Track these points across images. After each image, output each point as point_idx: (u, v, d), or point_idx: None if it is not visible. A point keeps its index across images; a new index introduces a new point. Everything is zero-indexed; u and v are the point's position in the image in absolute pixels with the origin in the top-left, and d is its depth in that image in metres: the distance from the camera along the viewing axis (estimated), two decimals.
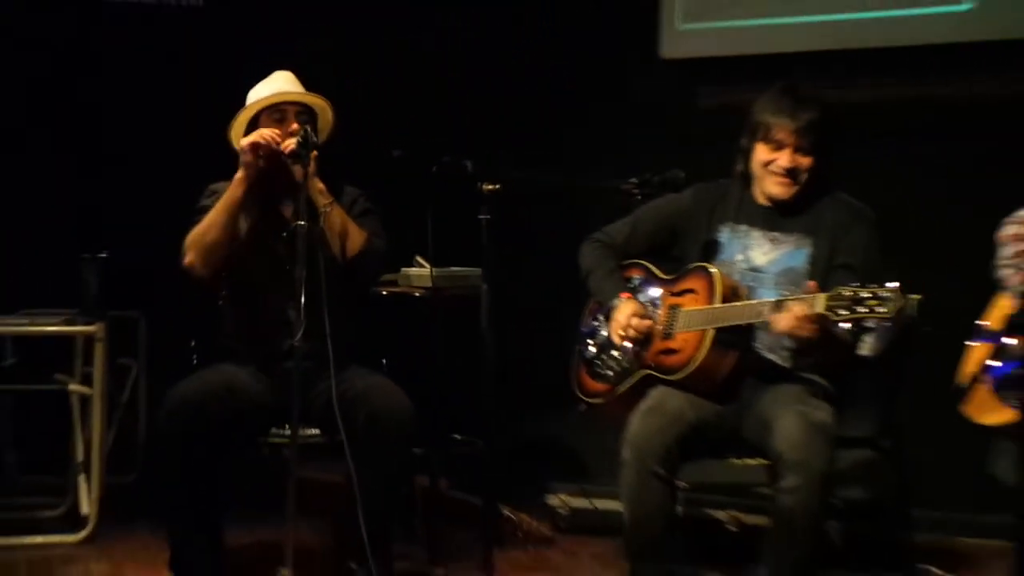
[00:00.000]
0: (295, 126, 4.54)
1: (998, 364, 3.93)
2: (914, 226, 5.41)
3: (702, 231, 4.54)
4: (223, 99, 4.77)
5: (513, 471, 4.76)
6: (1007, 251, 4.01)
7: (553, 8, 6.46)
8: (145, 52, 6.51)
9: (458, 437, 5.62)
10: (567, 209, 5.02)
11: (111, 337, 5.57)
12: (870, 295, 3.87)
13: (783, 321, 4.09)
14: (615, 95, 6.23)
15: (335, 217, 4.58)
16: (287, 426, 4.48)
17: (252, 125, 4.63)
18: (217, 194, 4.64)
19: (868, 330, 4.04)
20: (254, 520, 5.09)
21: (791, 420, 4.20)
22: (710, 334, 4.32)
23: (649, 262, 4.66)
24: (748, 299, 4.36)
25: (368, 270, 4.75)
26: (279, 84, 4.69)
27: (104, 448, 5.61)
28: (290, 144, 4.44)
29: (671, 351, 4.42)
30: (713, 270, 4.40)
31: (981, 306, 4.17)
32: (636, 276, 4.66)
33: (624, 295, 4.54)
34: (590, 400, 4.67)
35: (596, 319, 4.69)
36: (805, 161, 4.37)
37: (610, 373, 4.61)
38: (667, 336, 4.44)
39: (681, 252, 4.59)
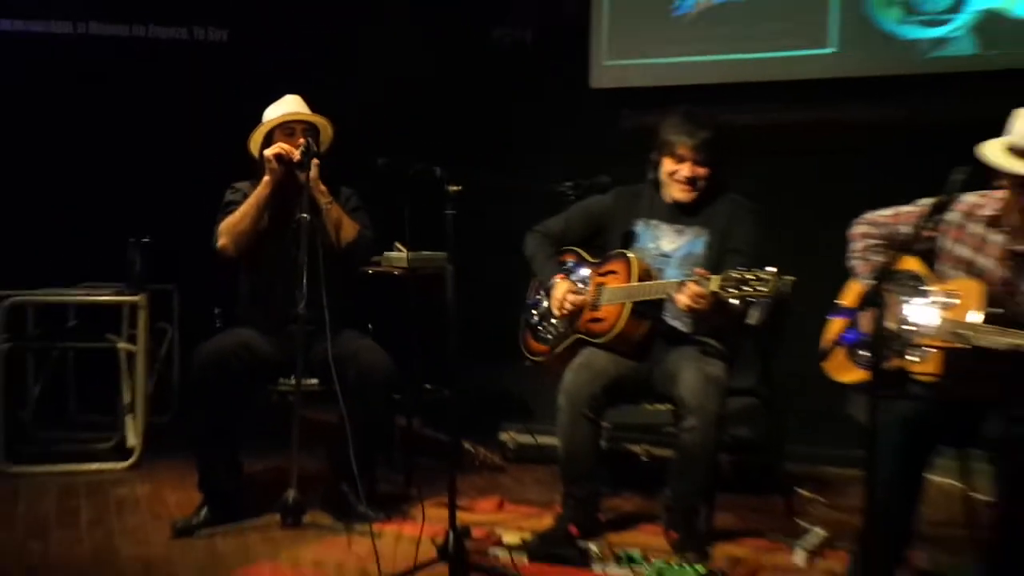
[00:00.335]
0: (301, 140, 4.53)
1: (851, 334, 3.95)
2: (789, 221, 5.42)
3: (622, 225, 4.53)
4: (239, 117, 4.78)
5: (472, 413, 4.74)
6: (856, 246, 4.03)
7: (512, 49, 6.44)
8: (178, 77, 6.46)
9: (429, 386, 5.60)
10: (516, 206, 4.99)
11: (151, 305, 5.56)
12: (754, 277, 3.87)
13: (683, 298, 4.09)
14: (556, 117, 6.21)
15: (333, 212, 4.59)
16: (292, 377, 4.46)
17: (267, 138, 4.62)
18: (240, 191, 4.64)
19: (752, 304, 4.05)
20: (266, 451, 5.08)
21: (691, 373, 4.22)
22: (628, 306, 4.33)
23: (580, 249, 4.65)
24: (658, 279, 4.36)
25: (359, 255, 4.75)
26: (290, 106, 4.67)
27: (146, 394, 5.58)
28: (296, 154, 4.48)
29: (597, 320, 4.42)
30: (631, 255, 4.40)
31: (839, 287, 4.19)
32: (570, 260, 4.66)
33: (560, 276, 4.54)
34: (534, 358, 4.68)
35: (539, 294, 4.70)
36: (702, 171, 4.37)
37: (549, 337, 4.61)
38: (594, 308, 4.44)
39: (605, 241, 4.58)
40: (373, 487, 4.66)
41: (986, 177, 3.71)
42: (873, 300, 3.24)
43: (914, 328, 3.79)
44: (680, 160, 4.38)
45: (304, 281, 4.29)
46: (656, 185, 4.51)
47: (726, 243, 4.38)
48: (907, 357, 3.74)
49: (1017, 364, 3.37)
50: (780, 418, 4.68)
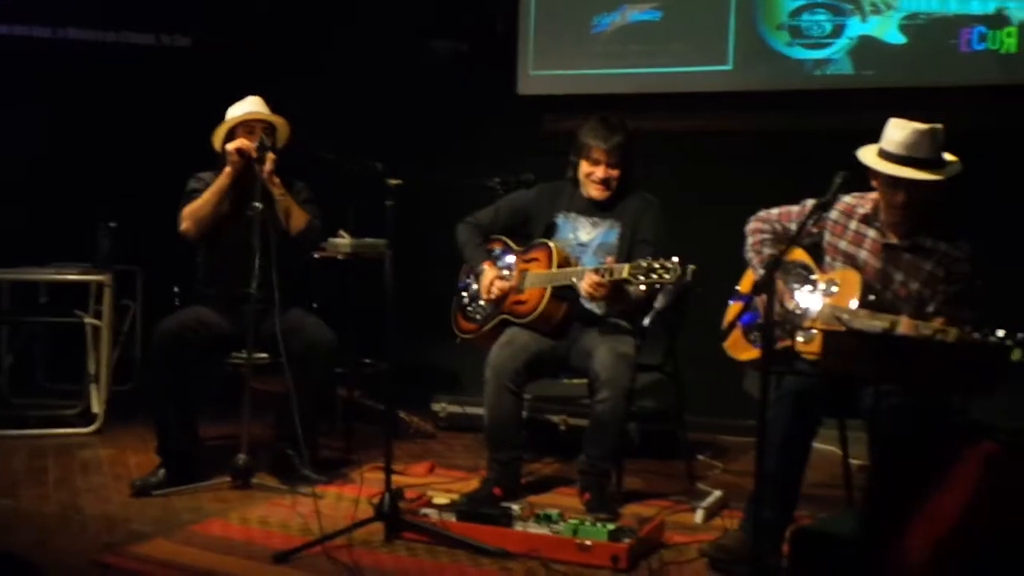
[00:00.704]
0: (258, 137, 4.47)
1: (747, 317, 3.96)
2: (693, 216, 5.41)
3: (544, 217, 4.49)
4: (199, 114, 4.70)
5: (407, 385, 4.68)
6: (751, 240, 4.04)
7: (449, 58, 6.36)
8: (146, 78, 6.34)
9: (368, 360, 5.56)
10: (450, 199, 4.95)
11: (116, 284, 5.51)
12: (660, 265, 3.89)
13: (583, 286, 4.10)
14: (487, 120, 6.15)
15: (285, 203, 4.51)
16: (244, 351, 4.38)
17: (229, 134, 4.55)
18: (202, 180, 4.58)
19: (659, 289, 4.05)
20: (220, 418, 4.97)
21: (604, 351, 4.19)
22: (549, 290, 4.29)
23: (506, 238, 4.59)
24: (575, 266, 4.31)
25: (308, 241, 4.67)
26: (251, 106, 4.60)
27: (110, 365, 5.51)
28: (253, 149, 4.43)
29: (521, 302, 4.37)
30: (552, 244, 4.36)
31: (737, 275, 4.19)
32: (497, 248, 4.59)
33: (488, 263, 4.48)
34: (463, 335, 4.60)
35: (469, 278, 4.62)
36: (615, 172, 4.35)
37: (478, 317, 4.54)
38: (519, 291, 4.39)
39: (529, 232, 4.53)
40: (316, 452, 4.59)
41: (864, 179, 3.75)
42: (765, 287, 3.23)
43: (801, 312, 3.82)
44: (595, 163, 4.35)
45: (256, 263, 4.26)
46: (575, 183, 4.47)
47: (636, 234, 4.36)
48: (795, 338, 3.76)
49: (887, 345, 3.39)
50: (683, 391, 4.64)
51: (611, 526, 3.73)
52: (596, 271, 4.09)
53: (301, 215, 4.55)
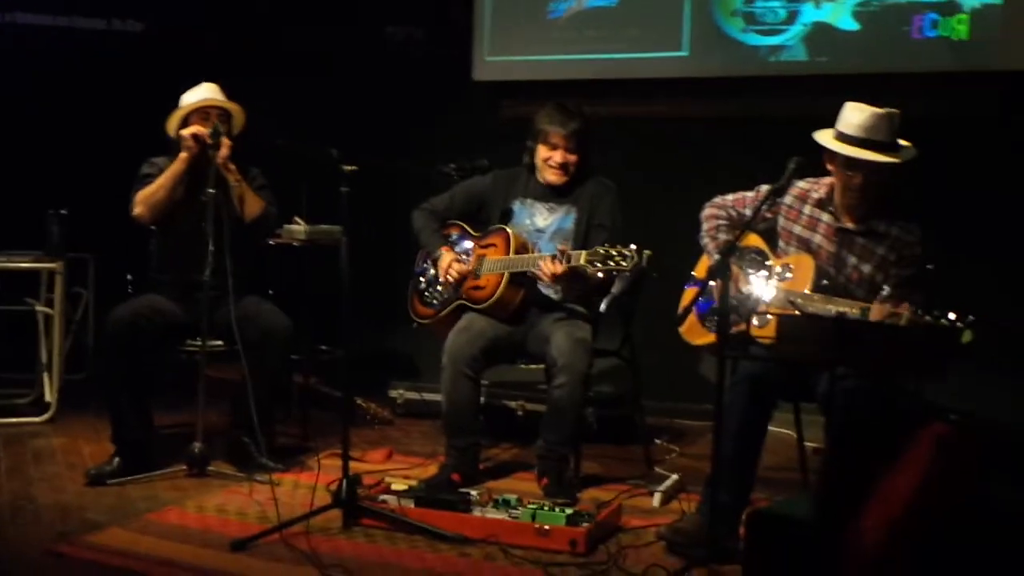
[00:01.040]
0: (213, 123, 4.43)
1: (702, 303, 3.99)
2: (648, 201, 5.44)
3: (501, 203, 4.49)
4: (151, 100, 4.65)
5: (364, 371, 4.67)
6: (706, 226, 4.07)
7: (404, 44, 6.33)
8: (98, 64, 6.25)
9: (324, 347, 5.54)
10: (405, 185, 4.93)
11: (68, 272, 5.43)
12: (616, 252, 3.91)
13: (541, 271, 4.13)
14: (443, 106, 6.12)
15: (240, 189, 4.48)
16: (198, 338, 4.35)
17: (185, 120, 4.51)
18: (156, 165, 4.54)
19: (616, 275, 4.08)
20: (175, 406, 4.93)
21: (561, 336, 4.21)
22: (506, 276, 4.29)
23: (464, 223, 4.59)
24: (532, 252, 4.32)
25: (264, 228, 4.65)
26: (206, 92, 4.55)
27: (62, 353, 5.45)
28: (208, 135, 4.40)
29: (479, 287, 4.37)
30: (509, 230, 4.36)
31: (693, 261, 4.21)
32: (454, 233, 4.59)
33: (445, 248, 4.48)
34: (420, 321, 4.59)
35: (425, 263, 4.62)
36: (572, 157, 4.36)
37: (435, 302, 4.54)
38: (476, 277, 4.39)
39: (485, 218, 4.53)
40: (272, 439, 4.58)
41: (818, 165, 3.78)
42: (720, 272, 3.26)
43: (756, 297, 3.85)
44: (553, 147, 4.35)
45: (210, 250, 4.24)
46: (531, 169, 4.47)
47: (592, 219, 4.38)
48: (750, 322, 3.79)
49: (840, 329, 3.42)
50: (640, 376, 4.66)
51: (569, 511, 3.74)
52: (553, 258, 4.10)
53: (256, 201, 4.52)
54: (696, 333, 4.03)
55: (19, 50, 6.24)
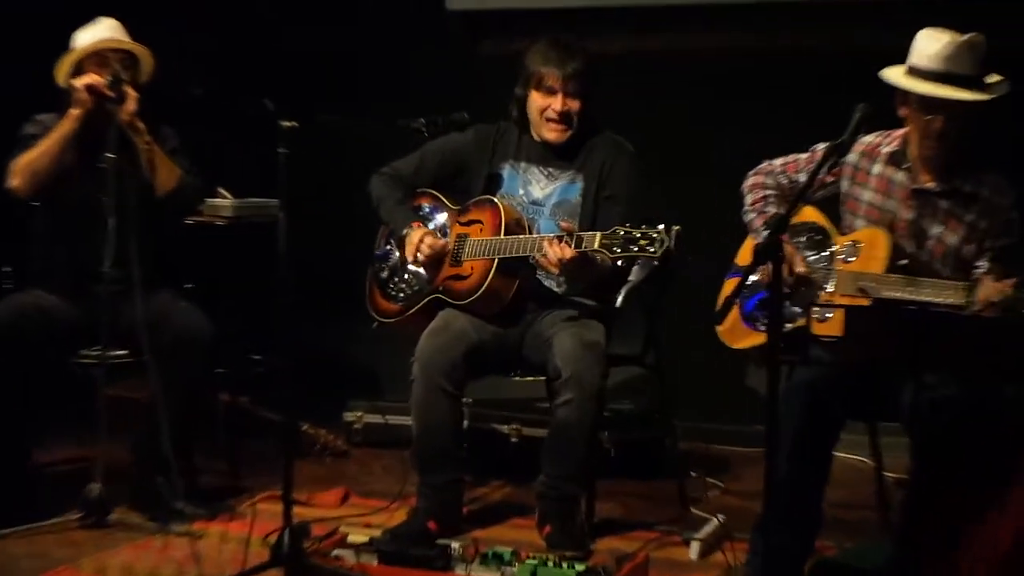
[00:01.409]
0: (113, 70, 4.46)
1: (747, 295, 4.07)
2: (674, 166, 5.48)
3: (484, 166, 4.55)
4: (41, 43, 4.67)
5: (311, 387, 4.70)
6: (749, 199, 4.13)
7: None
8: None
9: (258, 356, 5.56)
10: (361, 146, 4.95)
11: None
12: (641, 234, 3.96)
13: (545, 254, 4.17)
14: (407, 43, 6.15)
15: (150, 154, 4.52)
16: (96, 346, 4.40)
17: (77, 67, 4.54)
18: (42, 124, 4.58)
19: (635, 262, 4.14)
20: (64, 437, 4.99)
21: (567, 339, 4.26)
22: (495, 263, 4.33)
23: (438, 192, 4.65)
24: (530, 231, 4.39)
25: (180, 204, 4.71)
26: (104, 31, 4.59)
27: None
28: (106, 85, 4.42)
29: (459, 276, 4.42)
30: (499, 202, 4.41)
31: (732, 243, 4.28)
32: (426, 204, 4.65)
33: (414, 224, 4.53)
34: (383, 320, 4.65)
35: (388, 244, 4.68)
36: (574, 104, 4.42)
37: (402, 295, 4.60)
38: (456, 262, 4.44)
39: (466, 185, 4.59)
40: (193, 478, 4.62)
41: (891, 112, 3.84)
42: (769, 253, 3.29)
43: (816, 284, 3.91)
44: (549, 92, 4.41)
45: (111, 232, 4.26)
46: (523, 124, 4.53)
47: (603, 190, 4.44)
48: (808, 316, 3.83)
49: (926, 320, 3.48)
50: (669, 390, 4.72)
51: (580, 566, 3.76)
52: (561, 239, 4.14)
53: (170, 169, 4.56)
54: (739, 334, 4.09)
55: None
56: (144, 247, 4.29)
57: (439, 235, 4.53)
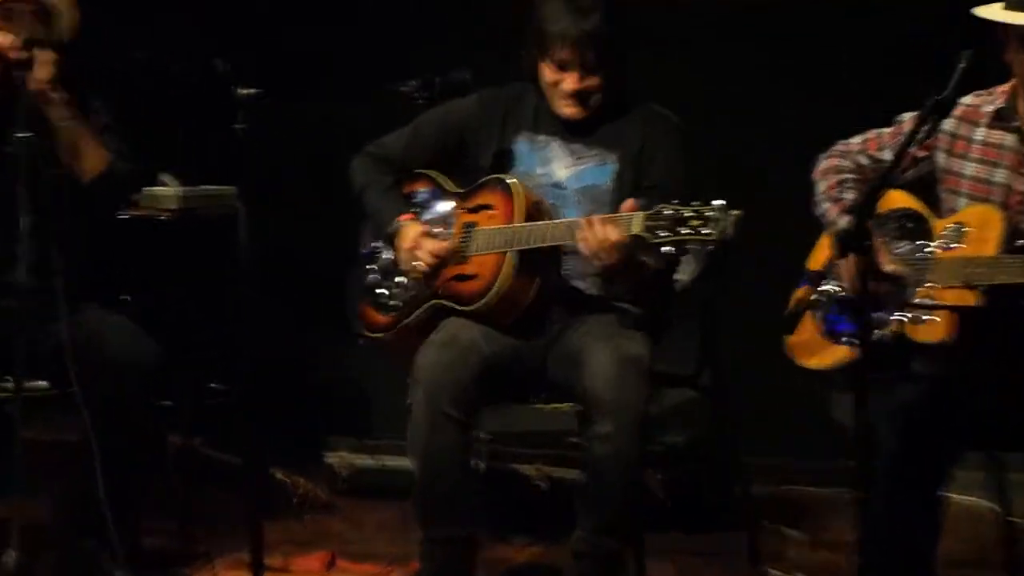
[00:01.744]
0: (24, 28, 4.48)
1: (831, 313, 4.12)
2: (726, 144, 5.56)
3: (494, 141, 4.59)
4: None
5: (283, 424, 4.74)
6: (822, 186, 4.20)
7: None
8: None
9: (215, 384, 5.61)
10: (339, 118, 5.01)
11: None
12: (693, 213, 3.94)
13: (588, 244, 4.15)
14: None
15: (73, 133, 4.55)
16: (8, 376, 4.40)
17: None
18: None
19: (686, 253, 4.13)
20: None
21: (603, 355, 4.27)
22: (511, 257, 4.36)
23: (438, 173, 4.68)
24: (553, 217, 4.41)
25: (112, 194, 4.74)
26: None
27: None
28: (14, 47, 4.42)
29: (466, 277, 4.45)
30: (513, 183, 4.44)
31: (801, 240, 4.33)
32: (422, 189, 4.69)
33: (405, 216, 4.55)
34: (372, 334, 4.68)
35: (376, 241, 4.70)
36: (593, 81, 4.42)
37: (395, 303, 4.63)
38: (462, 259, 4.47)
39: (472, 165, 4.62)
40: (135, 540, 4.63)
41: (996, 66, 3.88)
42: (853, 243, 3.33)
43: (912, 277, 3.95)
44: (562, 66, 4.42)
45: (24, 232, 4.26)
46: (538, 89, 4.55)
47: (642, 177, 4.46)
48: (905, 319, 3.89)
49: None
50: (731, 417, 4.78)
51: None
52: (612, 220, 4.14)
53: (98, 151, 4.60)
54: (815, 350, 4.14)
55: None
56: (67, 250, 4.33)
57: (439, 229, 4.55)
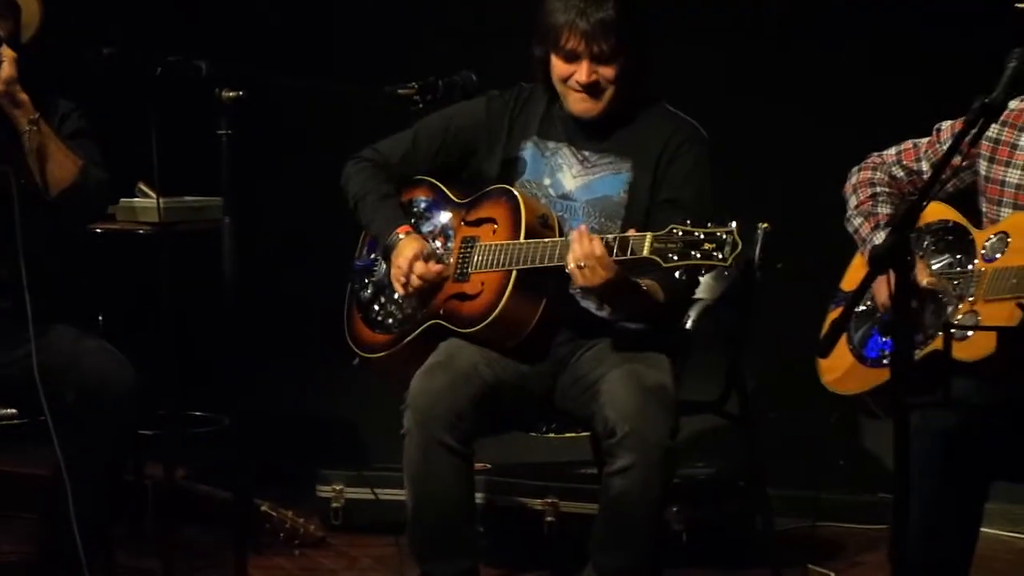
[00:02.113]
0: None
1: (877, 336, 4.10)
2: (756, 145, 5.52)
3: (500, 148, 4.56)
4: None
5: (272, 454, 4.71)
6: (854, 201, 4.19)
7: None
8: None
9: (198, 413, 5.60)
10: (332, 122, 4.97)
11: None
12: (703, 236, 3.89)
13: (575, 255, 4.08)
14: None
15: (40, 138, 4.50)
16: None
17: None
18: None
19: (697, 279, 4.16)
20: None
21: (621, 383, 4.23)
22: (514, 276, 4.32)
23: (439, 181, 4.64)
24: (561, 233, 4.36)
25: (83, 206, 4.68)
26: None
27: None
28: None
29: (466, 296, 4.42)
30: (517, 193, 4.41)
31: (834, 258, 4.31)
32: (423, 197, 4.66)
33: (403, 229, 4.49)
34: (367, 355, 4.63)
35: (372, 254, 4.67)
36: (607, 71, 4.38)
37: (390, 321, 4.60)
38: (461, 277, 4.43)
39: (476, 173, 4.59)
40: None
41: None
42: (891, 258, 3.26)
43: (953, 292, 3.94)
44: (572, 58, 4.37)
45: None
46: (551, 89, 4.51)
47: (660, 190, 4.42)
48: (950, 336, 3.80)
49: None
50: (759, 448, 4.70)
51: None
52: (603, 239, 4.09)
53: (68, 159, 4.55)
54: (849, 374, 4.11)
55: None
56: (36, 267, 4.31)
57: (440, 242, 4.53)
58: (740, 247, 3.87)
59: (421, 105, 4.55)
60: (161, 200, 5.18)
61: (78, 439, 4.31)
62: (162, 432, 5.20)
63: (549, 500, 5.22)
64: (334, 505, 5.62)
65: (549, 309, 4.37)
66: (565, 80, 4.39)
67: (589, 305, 4.41)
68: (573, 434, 4.55)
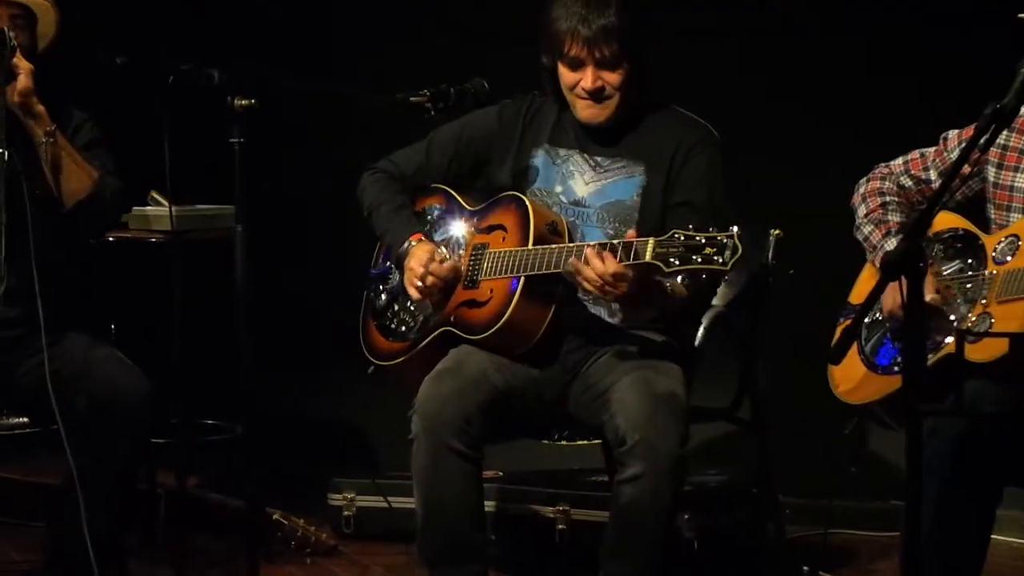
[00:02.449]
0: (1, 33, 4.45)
1: (885, 346, 4.11)
2: (768, 149, 5.52)
3: (512, 156, 4.56)
4: None
5: (284, 463, 4.71)
6: (862, 210, 4.20)
7: None
8: None
9: (211, 422, 5.60)
10: (346, 132, 4.96)
11: None
12: (704, 240, 3.89)
13: (590, 281, 4.09)
14: None
15: (56, 149, 4.49)
16: None
17: None
18: None
19: (700, 284, 4.14)
20: None
21: (631, 391, 4.22)
22: (521, 283, 4.31)
23: (453, 189, 4.64)
24: (573, 237, 4.37)
25: (99, 217, 4.69)
26: None
27: None
28: None
29: (475, 303, 4.42)
30: (527, 200, 4.41)
31: (845, 263, 4.31)
32: (436, 205, 4.66)
33: (415, 236, 4.50)
34: (381, 363, 4.63)
35: (387, 262, 4.67)
36: (612, 77, 4.37)
37: (404, 329, 4.60)
38: (471, 284, 4.43)
39: (489, 183, 4.59)
40: None
41: None
42: (903, 264, 3.26)
43: (961, 295, 3.96)
44: (576, 65, 4.37)
45: (1, 258, 4.23)
46: (561, 97, 4.49)
47: (672, 193, 4.41)
48: (963, 338, 3.82)
49: None
50: (770, 455, 4.71)
51: None
52: (608, 247, 4.10)
53: (83, 171, 4.55)
54: (860, 382, 4.12)
55: None
56: (49, 276, 4.31)
57: (452, 248, 4.53)
58: (741, 251, 3.85)
59: (433, 113, 4.57)
60: (174, 208, 5.22)
61: (90, 448, 4.31)
62: (174, 440, 5.20)
63: (561, 508, 5.20)
64: (346, 513, 5.60)
65: (558, 315, 4.37)
66: (572, 88, 4.39)
67: (600, 311, 4.41)
68: (585, 441, 4.55)
